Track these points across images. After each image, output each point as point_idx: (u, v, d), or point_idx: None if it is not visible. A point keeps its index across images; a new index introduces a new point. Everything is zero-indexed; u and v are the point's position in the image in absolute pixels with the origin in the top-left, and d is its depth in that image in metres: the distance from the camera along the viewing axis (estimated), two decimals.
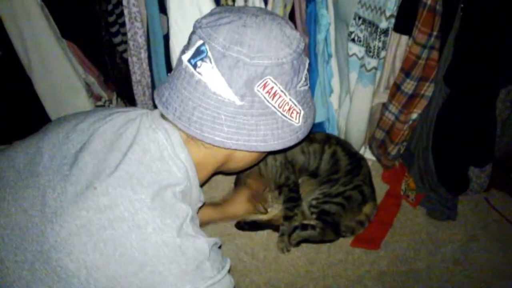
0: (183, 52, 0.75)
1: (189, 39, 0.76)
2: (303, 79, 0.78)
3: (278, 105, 0.75)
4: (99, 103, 1.85)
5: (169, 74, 0.81)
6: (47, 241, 0.65)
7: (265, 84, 0.71)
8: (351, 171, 1.54)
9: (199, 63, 0.71)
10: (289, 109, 0.77)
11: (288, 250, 1.50)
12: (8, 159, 0.75)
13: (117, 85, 1.84)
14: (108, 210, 0.66)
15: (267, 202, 1.58)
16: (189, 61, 0.72)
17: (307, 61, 0.79)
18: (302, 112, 0.79)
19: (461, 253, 1.53)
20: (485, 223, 1.62)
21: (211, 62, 0.70)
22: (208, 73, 0.71)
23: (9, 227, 0.67)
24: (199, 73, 0.71)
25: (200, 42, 0.71)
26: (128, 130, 0.76)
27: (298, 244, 1.51)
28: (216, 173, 0.91)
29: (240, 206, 1.47)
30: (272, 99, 0.73)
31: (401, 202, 1.67)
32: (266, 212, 1.57)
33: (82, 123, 0.78)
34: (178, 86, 0.74)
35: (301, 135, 0.82)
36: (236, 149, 0.77)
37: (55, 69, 1.56)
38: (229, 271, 0.74)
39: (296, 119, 0.79)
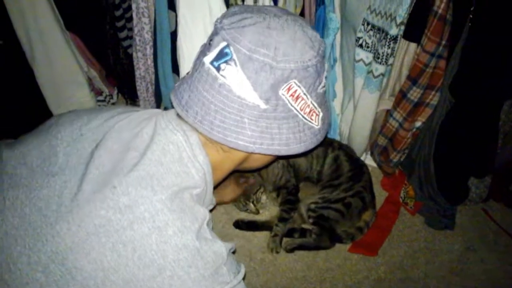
0: (204, 53, 0.73)
1: (210, 39, 0.73)
2: (323, 81, 0.77)
3: (300, 107, 0.74)
4: (100, 97, 1.84)
5: (186, 75, 0.79)
6: (63, 242, 0.63)
7: (289, 87, 0.70)
8: (352, 177, 1.54)
9: (223, 65, 0.69)
10: (310, 112, 0.76)
11: (278, 252, 1.50)
12: (19, 156, 0.73)
13: (118, 81, 1.83)
14: (128, 210, 0.64)
15: (259, 202, 1.58)
16: (211, 63, 0.70)
17: (327, 65, 0.79)
18: (321, 114, 0.79)
19: (458, 263, 1.54)
20: (483, 233, 1.63)
21: (236, 65, 0.68)
22: (233, 76, 0.69)
23: (23, 227, 0.65)
24: (223, 76, 0.69)
25: (223, 43, 0.69)
26: (144, 129, 0.74)
27: (292, 250, 1.51)
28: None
29: (228, 192, 1.44)
30: (295, 102, 0.73)
31: (400, 209, 1.67)
32: (257, 212, 1.57)
33: (94, 120, 0.76)
34: (200, 88, 0.72)
35: (320, 137, 0.81)
36: (259, 153, 0.76)
37: (59, 61, 1.55)
38: (244, 278, 0.73)
39: (315, 121, 0.78)
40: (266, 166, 0.94)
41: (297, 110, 0.74)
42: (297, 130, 0.76)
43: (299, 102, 0.73)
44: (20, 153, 0.74)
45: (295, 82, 0.70)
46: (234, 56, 0.68)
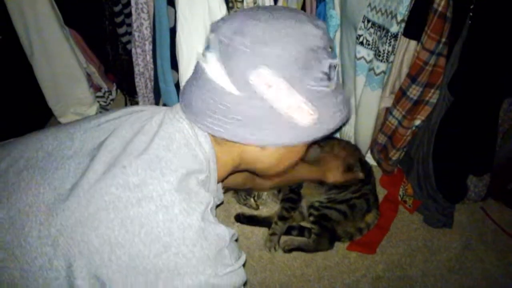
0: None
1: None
2: (319, 80, 0.72)
3: (276, 98, 0.70)
4: (99, 93, 1.84)
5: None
6: (72, 215, 0.65)
7: (261, 74, 0.68)
8: (363, 179, 1.53)
9: (207, 54, 0.72)
10: (292, 106, 0.72)
11: (275, 250, 1.51)
12: (37, 142, 0.77)
13: (117, 77, 1.83)
14: (137, 189, 0.67)
15: (260, 198, 1.58)
16: (202, 54, 0.73)
17: (328, 62, 0.72)
18: (313, 113, 0.73)
19: (456, 261, 1.54)
20: (481, 232, 1.63)
21: (216, 52, 0.70)
22: (213, 64, 0.71)
23: (36, 204, 0.67)
24: (205, 63, 0.72)
25: (212, 34, 0.72)
26: (153, 119, 0.78)
27: (290, 251, 1.51)
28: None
29: (336, 174, 1.46)
30: (267, 90, 0.69)
31: (398, 207, 1.67)
32: (257, 208, 1.57)
33: (112, 114, 0.82)
34: (192, 77, 0.77)
35: (306, 137, 0.76)
36: (245, 145, 0.76)
37: (57, 56, 1.55)
38: (244, 264, 0.74)
39: (300, 118, 0.73)
40: (282, 173, 0.90)
41: (273, 101, 0.70)
42: (276, 123, 0.72)
43: (272, 92, 0.70)
44: (37, 139, 0.78)
45: (268, 70, 0.68)
46: (216, 44, 0.70)
